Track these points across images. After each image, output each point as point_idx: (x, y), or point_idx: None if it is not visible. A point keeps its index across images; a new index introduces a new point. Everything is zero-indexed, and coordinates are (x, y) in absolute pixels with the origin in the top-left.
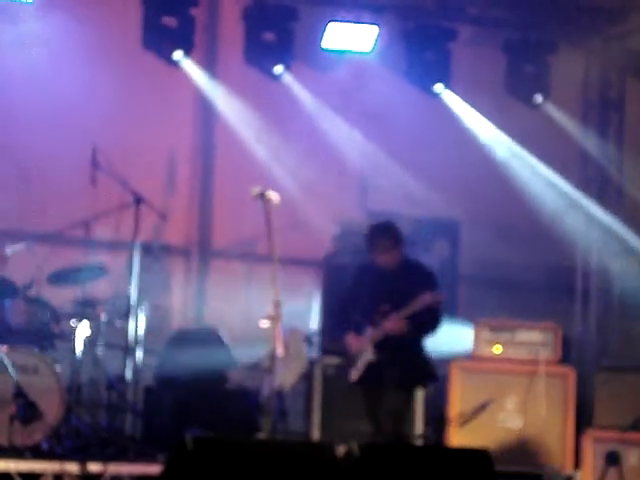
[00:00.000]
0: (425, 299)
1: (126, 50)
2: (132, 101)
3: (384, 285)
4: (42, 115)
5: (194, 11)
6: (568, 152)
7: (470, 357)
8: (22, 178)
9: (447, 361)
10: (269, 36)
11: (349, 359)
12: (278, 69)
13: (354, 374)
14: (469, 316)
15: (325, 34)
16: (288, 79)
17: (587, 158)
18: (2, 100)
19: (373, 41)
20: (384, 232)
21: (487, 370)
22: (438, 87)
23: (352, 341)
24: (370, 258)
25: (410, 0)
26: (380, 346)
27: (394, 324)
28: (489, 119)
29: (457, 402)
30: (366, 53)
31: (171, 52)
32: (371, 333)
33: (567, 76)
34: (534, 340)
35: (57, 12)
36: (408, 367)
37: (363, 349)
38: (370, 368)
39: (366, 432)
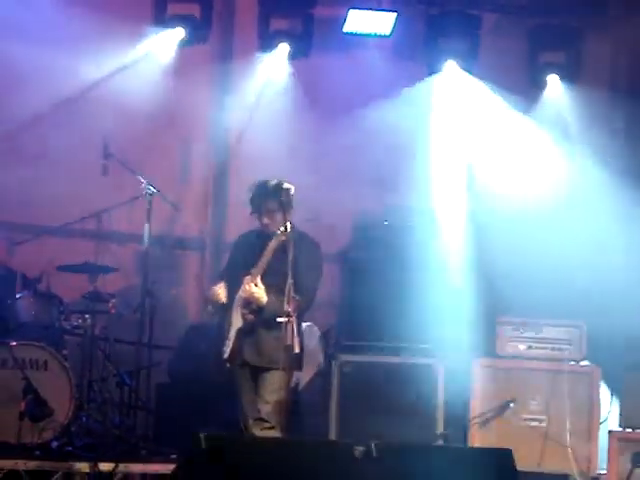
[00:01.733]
0: (272, 246)
1: (138, 38)
2: (144, 90)
3: (261, 246)
4: (53, 104)
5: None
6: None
7: (493, 355)
8: (32, 169)
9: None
10: (285, 23)
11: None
12: (283, 48)
13: (226, 350)
14: (492, 313)
15: (346, 20)
16: (307, 66)
17: (615, 147)
18: (11, 90)
19: (392, 25)
20: (270, 193)
21: (510, 368)
22: (450, 65)
23: (214, 289)
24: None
25: None
26: (250, 313)
27: (249, 285)
28: (513, 107)
29: (479, 401)
30: (386, 36)
31: (185, 39)
32: (238, 297)
33: (594, 64)
34: (558, 337)
35: None
36: (267, 343)
37: (233, 318)
38: (239, 340)
39: (385, 431)
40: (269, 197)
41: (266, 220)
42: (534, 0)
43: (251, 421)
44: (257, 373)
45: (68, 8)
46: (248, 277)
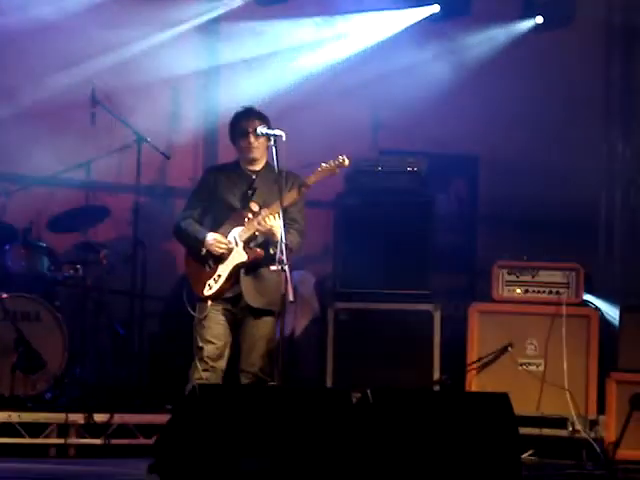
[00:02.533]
0: (292, 195)
1: None
2: (132, 36)
3: (248, 185)
4: (38, 51)
5: None
6: (590, 81)
7: (489, 299)
8: (19, 118)
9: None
10: None
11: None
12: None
13: (212, 286)
14: (489, 257)
15: None
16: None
17: (610, 87)
18: None
19: None
20: (257, 114)
21: (507, 312)
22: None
23: (218, 241)
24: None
25: None
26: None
27: (266, 219)
28: (506, 48)
29: (476, 346)
30: None
31: None
32: (241, 231)
33: (589, 2)
34: (555, 281)
35: None
36: (269, 283)
37: (230, 250)
38: (235, 278)
39: (382, 377)
40: (256, 118)
41: (252, 140)
42: None
43: (241, 374)
44: (247, 316)
45: None
46: (266, 210)
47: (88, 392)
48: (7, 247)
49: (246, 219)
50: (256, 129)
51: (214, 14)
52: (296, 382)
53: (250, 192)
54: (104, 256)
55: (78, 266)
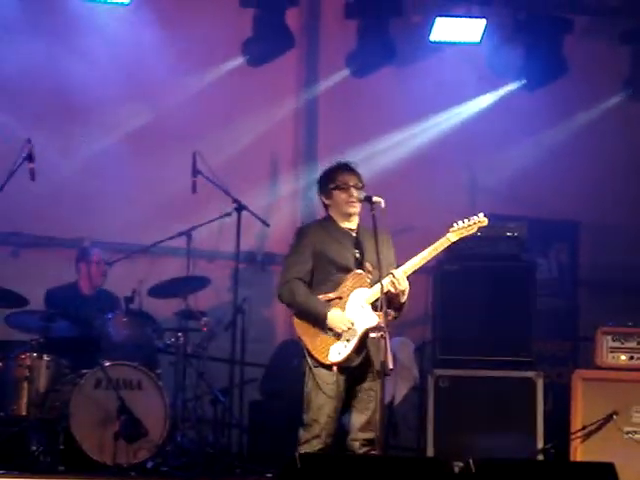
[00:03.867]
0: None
1: (225, 53)
2: (232, 106)
3: (354, 244)
4: (141, 125)
5: (293, 11)
6: None
7: (592, 366)
8: (123, 188)
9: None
10: (372, 33)
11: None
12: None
13: (342, 352)
14: (591, 323)
15: (433, 28)
16: (391, 77)
17: None
18: (101, 115)
19: (482, 32)
20: (356, 170)
21: (611, 380)
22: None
23: (342, 320)
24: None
25: None
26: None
27: (403, 280)
28: (610, 111)
29: (580, 414)
30: (476, 43)
31: (271, 54)
32: (369, 294)
33: None
34: None
35: (153, 14)
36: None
37: (360, 314)
38: (363, 342)
39: (484, 446)
40: (355, 174)
41: (354, 193)
42: (626, 1)
43: (357, 442)
44: (360, 382)
45: (150, 22)
46: (396, 272)
47: (189, 460)
48: (110, 315)
49: (368, 280)
50: (357, 184)
51: (313, 92)
52: (396, 451)
53: (357, 252)
54: (205, 323)
55: (179, 334)
